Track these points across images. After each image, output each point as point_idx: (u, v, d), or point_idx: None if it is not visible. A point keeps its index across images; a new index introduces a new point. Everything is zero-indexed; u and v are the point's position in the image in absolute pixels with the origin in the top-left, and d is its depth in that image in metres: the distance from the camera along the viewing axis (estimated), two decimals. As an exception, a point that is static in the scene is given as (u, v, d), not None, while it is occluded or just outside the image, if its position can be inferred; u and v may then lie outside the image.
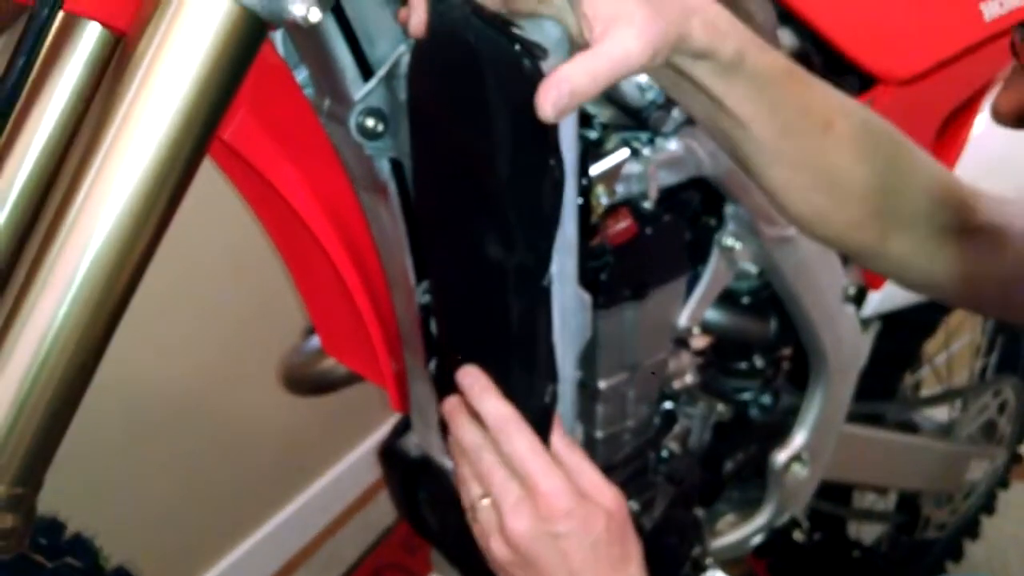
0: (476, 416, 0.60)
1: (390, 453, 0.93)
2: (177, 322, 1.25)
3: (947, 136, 1.09)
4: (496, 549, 0.58)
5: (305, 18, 0.47)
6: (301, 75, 0.68)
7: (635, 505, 0.89)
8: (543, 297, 0.57)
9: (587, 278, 0.70)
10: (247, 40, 0.47)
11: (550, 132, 0.51)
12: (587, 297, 0.64)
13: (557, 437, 0.60)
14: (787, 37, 0.84)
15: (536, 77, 0.48)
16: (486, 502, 0.58)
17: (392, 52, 0.63)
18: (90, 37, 0.52)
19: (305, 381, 0.91)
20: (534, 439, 0.57)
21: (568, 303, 0.63)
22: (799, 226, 0.66)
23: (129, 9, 0.48)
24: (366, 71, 0.63)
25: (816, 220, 0.65)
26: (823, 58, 0.87)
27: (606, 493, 0.58)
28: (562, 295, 0.62)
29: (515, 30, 0.52)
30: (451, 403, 0.62)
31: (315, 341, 0.96)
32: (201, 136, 0.47)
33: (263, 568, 1.58)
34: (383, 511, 1.70)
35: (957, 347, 1.47)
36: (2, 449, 0.46)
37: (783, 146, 0.60)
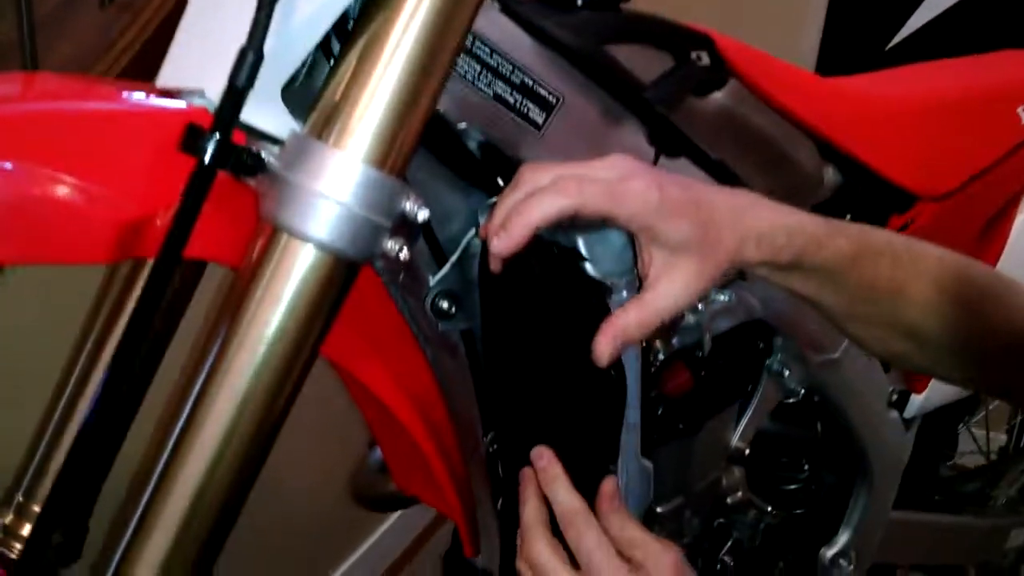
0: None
1: (454, 562, 0.97)
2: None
3: (988, 235, 1.11)
4: None
5: (396, 256, 0.52)
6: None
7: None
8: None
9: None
10: (342, 277, 0.52)
11: None
12: (649, 466, 0.69)
13: (608, 507, 0.61)
14: (831, 174, 0.88)
15: (602, 312, 0.52)
16: None
17: (463, 232, 0.67)
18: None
19: (376, 498, 0.96)
20: (601, 533, 0.59)
21: (632, 477, 0.67)
22: (885, 361, 0.69)
23: (239, 248, 0.53)
24: (436, 250, 0.67)
25: (899, 361, 0.68)
26: (866, 184, 0.91)
27: (663, 559, 0.59)
28: (627, 471, 0.66)
29: (581, 239, 0.57)
30: (525, 474, 0.64)
31: (380, 453, 1.01)
32: (308, 356, 0.53)
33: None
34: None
35: (992, 407, 1.49)
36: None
37: (854, 311, 0.63)
